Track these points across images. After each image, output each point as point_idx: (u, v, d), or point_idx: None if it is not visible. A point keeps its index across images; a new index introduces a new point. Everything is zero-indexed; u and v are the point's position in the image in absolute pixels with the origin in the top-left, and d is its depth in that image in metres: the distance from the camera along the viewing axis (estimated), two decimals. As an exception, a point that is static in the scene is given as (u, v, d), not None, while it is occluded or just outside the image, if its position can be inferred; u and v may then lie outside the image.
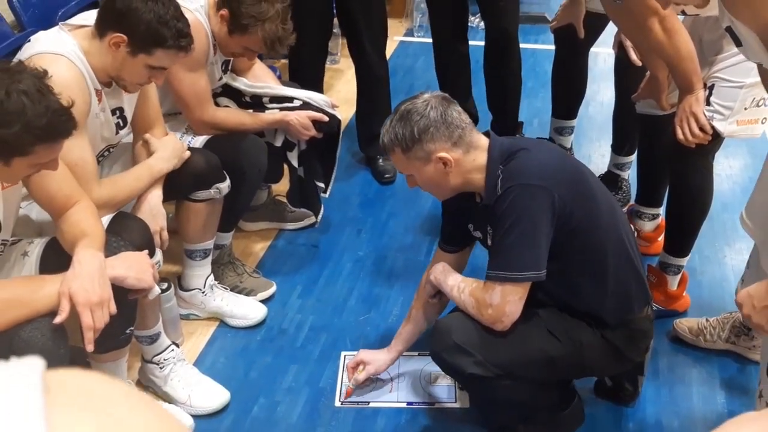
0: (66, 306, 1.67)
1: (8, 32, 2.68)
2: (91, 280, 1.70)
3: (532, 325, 1.93)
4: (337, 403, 2.27)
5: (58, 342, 1.68)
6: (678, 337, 2.49)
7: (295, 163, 2.79)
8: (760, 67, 1.88)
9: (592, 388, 2.28)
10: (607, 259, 1.92)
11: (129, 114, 2.22)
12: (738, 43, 1.84)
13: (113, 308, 1.73)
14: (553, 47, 3.31)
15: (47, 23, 2.31)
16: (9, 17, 2.77)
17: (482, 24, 3.41)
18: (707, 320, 2.47)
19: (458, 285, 1.97)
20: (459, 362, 1.92)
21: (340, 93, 4.07)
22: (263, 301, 2.65)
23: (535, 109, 3.94)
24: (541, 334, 1.93)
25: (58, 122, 1.58)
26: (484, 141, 1.94)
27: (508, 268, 1.84)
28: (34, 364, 0.38)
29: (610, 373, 2.22)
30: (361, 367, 2.25)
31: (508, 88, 3.39)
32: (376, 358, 2.26)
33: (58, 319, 1.67)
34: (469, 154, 1.90)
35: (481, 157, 1.91)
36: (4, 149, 1.56)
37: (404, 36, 4.95)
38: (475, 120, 3.14)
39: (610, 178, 3.14)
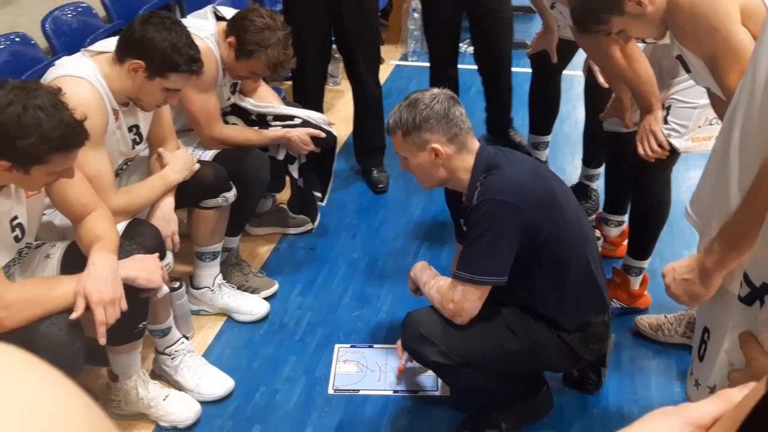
0: (81, 304, 1.67)
1: (42, 57, 2.67)
2: (104, 281, 1.69)
3: (494, 322, 1.91)
4: (330, 391, 2.26)
5: (73, 335, 1.67)
6: (639, 332, 2.47)
7: (295, 175, 2.79)
8: (708, 90, 1.87)
9: (560, 378, 2.26)
10: (569, 271, 1.90)
11: (144, 130, 2.21)
12: (687, 69, 1.83)
13: (124, 305, 1.72)
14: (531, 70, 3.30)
15: (78, 49, 2.30)
16: (43, 44, 2.77)
17: (470, 49, 3.44)
18: (666, 317, 2.46)
19: (430, 282, 1.97)
20: (424, 350, 1.91)
21: (340, 112, 4.05)
22: (266, 299, 2.63)
23: (515, 125, 3.91)
24: (501, 330, 1.92)
25: (71, 134, 1.59)
26: (476, 146, 1.91)
27: (472, 271, 1.83)
28: None
29: (565, 370, 2.20)
30: None
31: (503, 89, 3.58)
32: None
33: (73, 316, 1.66)
34: (460, 153, 1.88)
35: (469, 160, 1.89)
36: (23, 158, 1.56)
37: (399, 60, 4.93)
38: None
39: (581, 189, 3.12)
